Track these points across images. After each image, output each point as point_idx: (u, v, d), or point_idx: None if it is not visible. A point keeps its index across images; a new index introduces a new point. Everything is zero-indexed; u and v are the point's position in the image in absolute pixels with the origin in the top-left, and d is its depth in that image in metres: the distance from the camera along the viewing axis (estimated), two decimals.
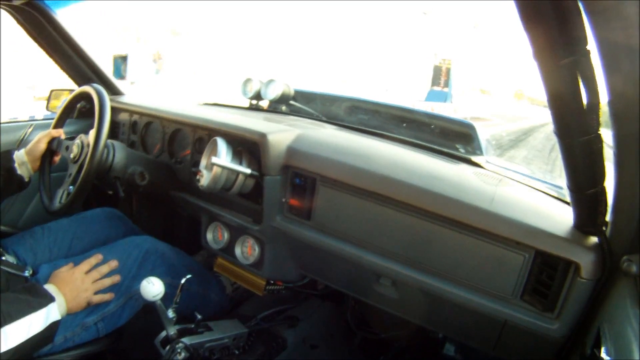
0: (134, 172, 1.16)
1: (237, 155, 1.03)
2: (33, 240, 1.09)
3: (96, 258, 1.02)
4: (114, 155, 1.12)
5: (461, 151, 1.39)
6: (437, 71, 16.56)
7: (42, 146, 1.12)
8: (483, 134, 1.43)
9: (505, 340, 0.87)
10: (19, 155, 1.09)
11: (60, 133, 1.16)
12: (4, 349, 0.75)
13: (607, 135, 0.58)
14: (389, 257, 0.93)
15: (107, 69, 1.59)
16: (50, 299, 0.87)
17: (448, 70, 16.25)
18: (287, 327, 1.26)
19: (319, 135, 1.15)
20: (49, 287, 0.91)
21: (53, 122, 1.21)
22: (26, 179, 1.11)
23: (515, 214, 0.80)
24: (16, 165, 1.08)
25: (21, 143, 1.45)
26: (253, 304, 1.37)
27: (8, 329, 0.77)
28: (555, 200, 0.93)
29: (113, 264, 1.03)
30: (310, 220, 1.02)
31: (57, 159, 1.18)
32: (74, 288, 0.94)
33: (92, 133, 1.04)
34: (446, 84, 16.23)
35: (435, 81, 16.57)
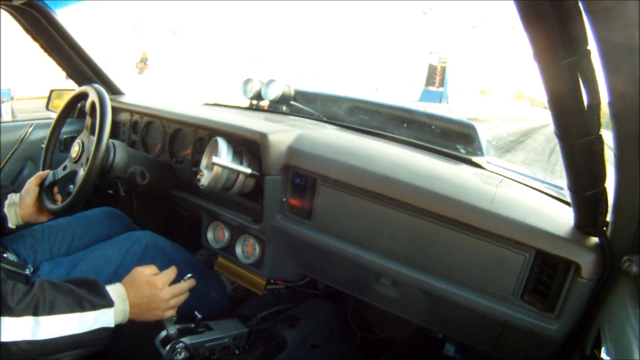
0: (134, 171, 1.16)
1: (238, 155, 1.04)
2: (33, 239, 1.09)
3: (173, 271, 0.94)
4: (114, 155, 1.12)
5: (462, 152, 1.39)
6: (431, 70, 15.78)
7: (33, 190, 1.05)
8: (484, 135, 1.44)
9: (505, 340, 0.87)
10: (13, 196, 1.04)
11: (48, 171, 1.10)
12: (33, 337, 0.68)
13: (607, 136, 0.58)
14: (389, 257, 0.93)
15: (109, 70, 1.59)
16: (108, 303, 0.78)
17: (443, 69, 15.52)
18: (287, 327, 1.26)
19: (320, 135, 1.15)
20: (117, 288, 0.83)
21: (53, 121, 1.21)
22: (10, 224, 1.02)
23: (515, 214, 0.80)
24: (5, 202, 1.02)
25: (21, 143, 1.45)
26: (253, 303, 1.37)
27: (43, 320, 0.69)
28: (556, 201, 0.93)
29: (192, 282, 0.97)
30: (311, 219, 1.02)
31: (58, 196, 1.11)
32: (151, 300, 0.86)
33: (95, 134, 1.04)
34: (441, 84, 15.49)
35: (429, 80, 15.81)
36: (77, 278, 0.81)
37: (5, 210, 1.02)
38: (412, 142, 1.24)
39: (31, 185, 1.06)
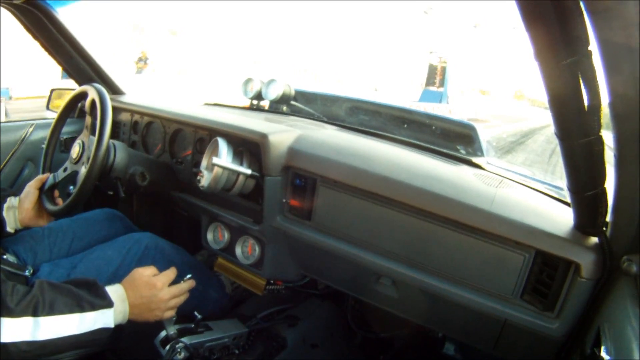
0: (134, 172, 1.16)
1: (238, 155, 1.03)
2: (33, 240, 1.09)
3: (173, 272, 0.94)
4: (115, 156, 1.12)
5: (462, 152, 1.39)
6: (432, 70, 15.74)
7: (33, 193, 1.04)
8: (484, 135, 1.44)
9: (505, 339, 0.87)
10: (12, 200, 1.03)
11: (48, 174, 1.10)
12: (32, 338, 0.69)
13: (607, 136, 0.58)
14: (389, 257, 0.93)
15: (109, 68, 1.59)
16: (108, 303, 0.79)
17: (443, 69, 15.45)
18: (287, 327, 1.26)
19: (320, 135, 1.15)
20: (116, 289, 0.83)
21: (53, 121, 1.21)
22: (8, 228, 1.01)
23: (515, 214, 0.81)
24: (5, 205, 1.01)
25: (22, 143, 1.45)
26: (253, 303, 1.37)
27: (43, 320, 0.70)
28: (556, 201, 0.93)
29: (192, 282, 0.98)
30: (311, 220, 1.02)
31: (58, 198, 1.10)
32: (151, 300, 0.86)
33: (95, 135, 1.04)
34: (441, 84, 15.46)
35: (429, 81, 15.77)
36: (76, 279, 0.81)
37: (4, 213, 1.01)
38: (412, 142, 1.24)
39: (31, 189, 1.05)
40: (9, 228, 1.01)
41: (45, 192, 1.07)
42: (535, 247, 0.77)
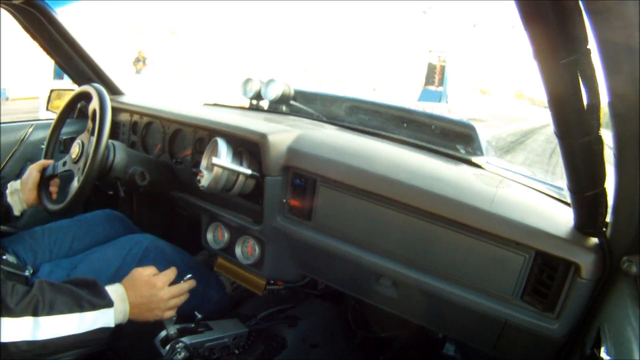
0: (134, 172, 1.16)
1: (238, 155, 1.03)
2: (33, 240, 1.09)
3: (173, 272, 0.94)
4: (114, 156, 1.12)
5: (461, 152, 1.39)
6: (431, 69, 15.50)
7: (35, 175, 1.07)
8: (483, 135, 1.43)
9: (505, 340, 0.87)
10: (13, 184, 1.05)
11: (51, 161, 1.11)
12: (33, 337, 0.69)
13: (607, 136, 0.58)
14: (389, 258, 0.93)
15: (108, 69, 1.59)
16: (108, 303, 0.78)
17: (443, 69, 15.25)
18: (287, 327, 1.26)
19: (320, 135, 1.15)
20: (116, 289, 0.83)
21: (53, 122, 1.21)
22: (15, 212, 1.03)
23: (515, 214, 0.80)
24: (7, 192, 1.02)
25: (21, 143, 1.45)
26: (253, 303, 1.37)
27: (43, 320, 0.69)
28: (556, 201, 0.93)
29: (192, 283, 0.97)
30: (311, 220, 1.02)
31: (54, 189, 1.11)
32: (151, 300, 0.86)
33: (94, 135, 1.04)
34: (441, 83, 15.26)
35: (429, 80, 15.51)
36: (76, 278, 0.81)
37: (9, 199, 1.02)
38: (412, 142, 1.24)
39: (33, 171, 1.06)
40: (16, 212, 1.03)
41: (43, 182, 1.08)
42: (535, 247, 0.77)
